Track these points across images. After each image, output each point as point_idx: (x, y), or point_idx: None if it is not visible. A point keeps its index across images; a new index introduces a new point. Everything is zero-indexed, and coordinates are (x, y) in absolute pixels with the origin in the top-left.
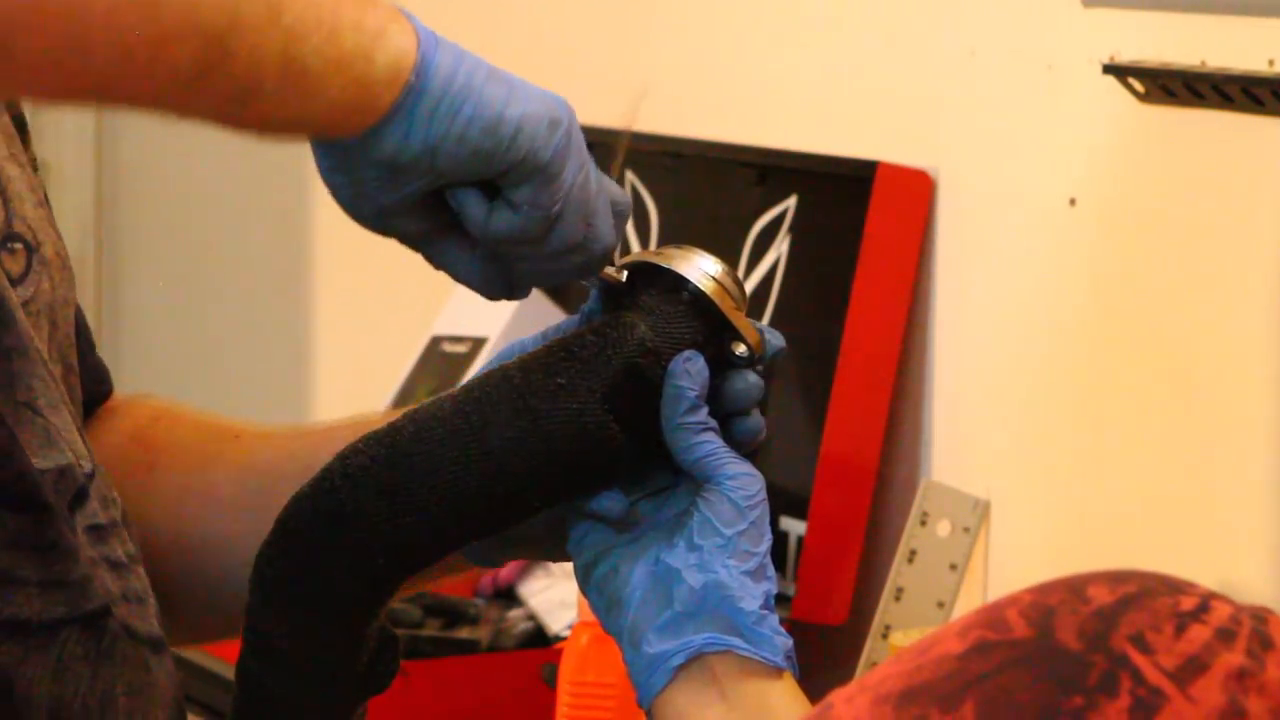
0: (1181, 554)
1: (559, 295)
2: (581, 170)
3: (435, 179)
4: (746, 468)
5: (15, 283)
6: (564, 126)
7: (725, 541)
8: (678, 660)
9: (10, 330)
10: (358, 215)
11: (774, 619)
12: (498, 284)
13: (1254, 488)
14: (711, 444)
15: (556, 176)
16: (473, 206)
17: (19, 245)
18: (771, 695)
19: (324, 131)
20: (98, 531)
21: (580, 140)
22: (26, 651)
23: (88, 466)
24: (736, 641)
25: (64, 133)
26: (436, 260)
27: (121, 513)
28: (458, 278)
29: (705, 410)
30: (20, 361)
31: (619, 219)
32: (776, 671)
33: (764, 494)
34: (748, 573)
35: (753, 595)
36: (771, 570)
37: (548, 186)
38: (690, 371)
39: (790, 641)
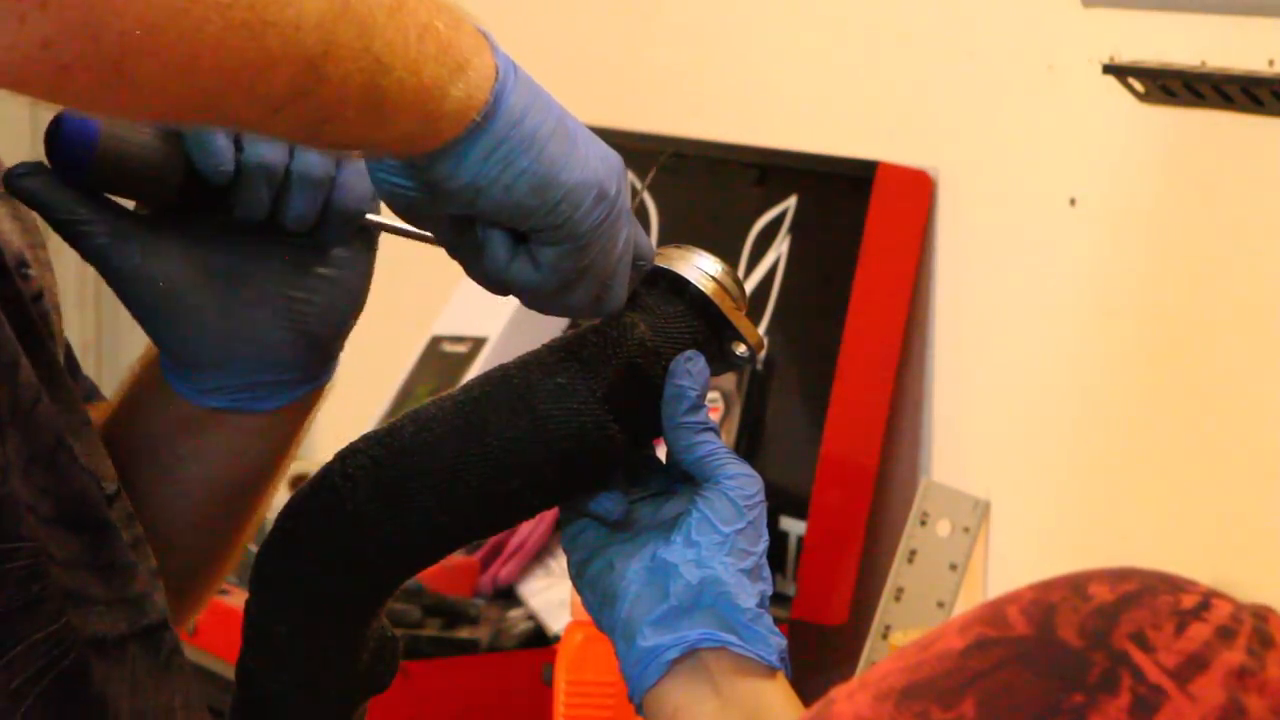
0: (1181, 554)
1: None
2: (611, 239)
3: (471, 213)
4: (746, 469)
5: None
6: (610, 198)
7: (723, 539)
8: (672, 654)
9: (45, 348)
10: (391, 207)
11: (768, 619)
12: (501, 290)
13: (1255, 486)
14: (711, 444)
15: (586, 248)
16: (497, 249)
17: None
18: (765, 694)
19: (384, 155)
20: (136, 548)
21: (624, 206)
22: (109, 667)
23: (111, 487)
24: (731, 639)
25: None
26: (452, 254)
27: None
28: (471, 277)
29: (706, 410)
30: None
31: (638, 271)
32: (770, 671)
33: (762, 495)
34: (744, 571)
35: (748, 593)
36: (767, 572)
37: (574, 255)
38: (692, 371)
39: (784, 642)
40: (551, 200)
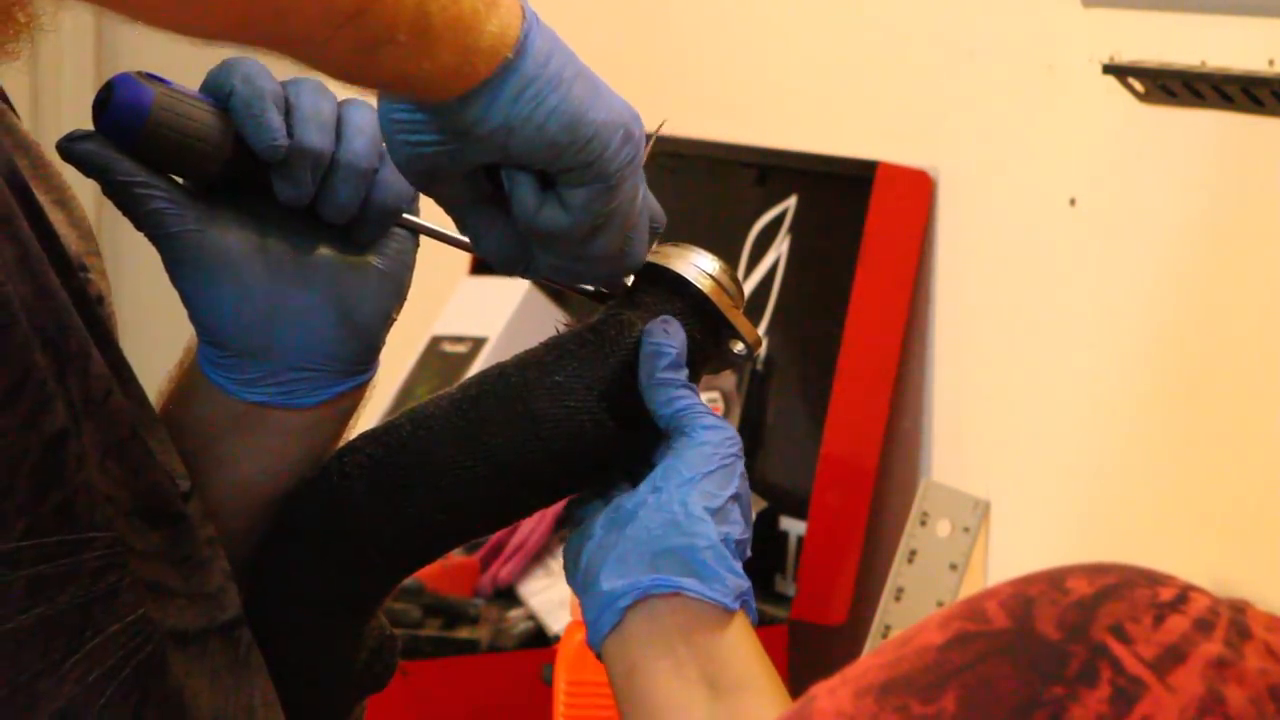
0: (1182, 554)
1: (560, 296)
2: (636, 184)
3: (501, 157)
4: (723, 423)
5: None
6: (635, 139)
7: (685, 481)
8: (625, 601)
9: (112, 345)
10: (410, 174)
11: (731, 560)
12: (518, 263)
13: (1255, 487)
14: (689, 399)
15: (616, 188)
16: (526, 194)
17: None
18: (723, 645)
19: (421, 94)
20: (211, 544)
21: (642, 156)
22: (189, 662)
23: (185, 484)
24: (687, 582)
25: (64, 132)
26: (465, 228)
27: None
28: (481, 250)
29: (685, 372)
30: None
31: (651, 235)
32: (727, 616)
33: (738, 448)
34: (709, 510)
35: (708, 533)
36: (739, 518)
37: (604, 195)
38: (669, 331)
39: (746, 584)
40: (583, 137)
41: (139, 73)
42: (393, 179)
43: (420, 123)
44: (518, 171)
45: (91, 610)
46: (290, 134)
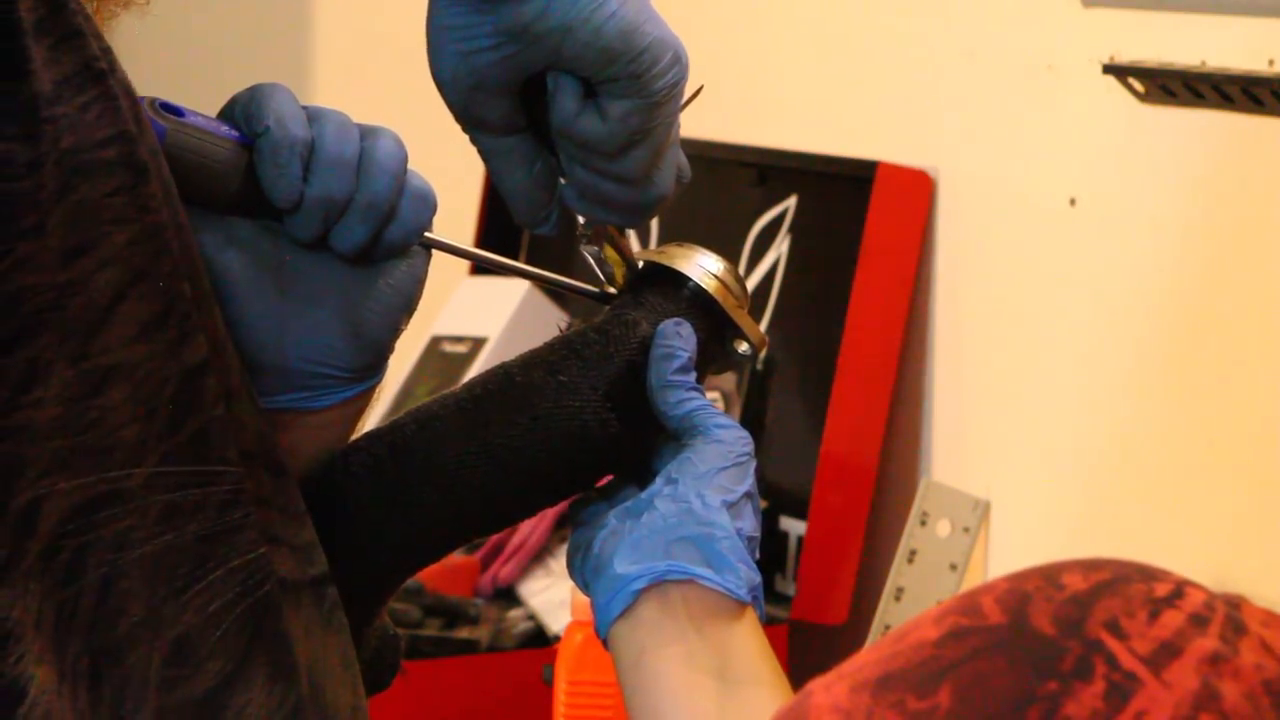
0: (1183, 553)
1: (560, 297)
2: (675, 110)
3: (553, 60)
4: (736, 424)
5: None
6: (681, 64)
7: (701, 475)
8: (640, 584)
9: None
10: (455, 89)
11: (745, 553)
12: (536, 209)
13: (1253, 486)
14: (700, 400)
15: (656, 107)
16: (568, 97)
17: None
18: (735, 637)
19: None
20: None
21: (684, 86)
22: (290, 609)
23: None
24: (701, 571)
25: None
26: (494, 162)
27: None
28: (504, 187)
29: (694, 375)
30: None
31: (677, 186)
32: (739, 609)
33: (751, 448)
34: (725, 503)
35: (724, 523)
36: (751, 515)
37: (644, 112)
38: (681, 334)
39: (758, 577)
40: (637, 47)
41: (152, 102)
42: (409, 213)
43: (474, 25)
44: (563, 75)
45: (216, 542)
46: (308, 179)
